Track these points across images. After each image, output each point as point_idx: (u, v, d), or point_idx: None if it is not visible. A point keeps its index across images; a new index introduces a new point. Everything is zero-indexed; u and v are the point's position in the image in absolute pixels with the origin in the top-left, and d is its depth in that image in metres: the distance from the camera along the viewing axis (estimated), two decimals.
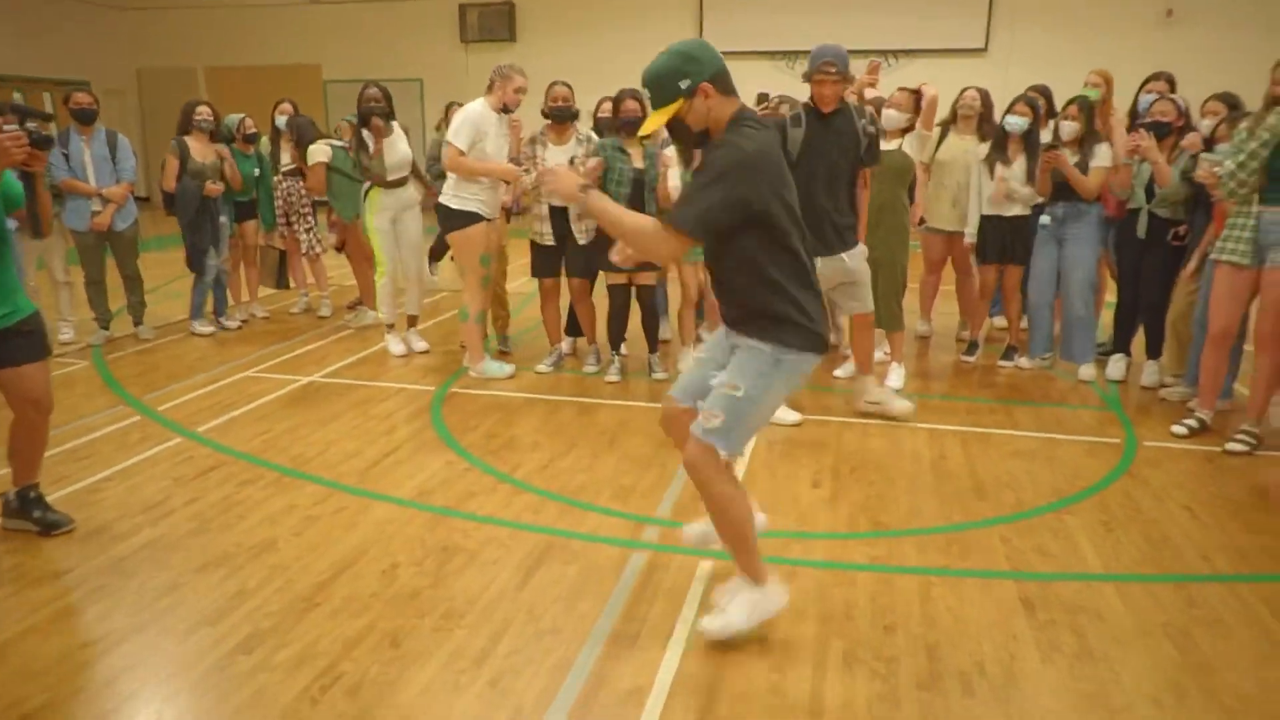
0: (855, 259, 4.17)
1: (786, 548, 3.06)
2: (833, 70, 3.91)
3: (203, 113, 5.86)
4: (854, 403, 4.47)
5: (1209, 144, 4.38)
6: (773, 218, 2.25)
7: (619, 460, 3.89)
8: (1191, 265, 4.45)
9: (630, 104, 4.68)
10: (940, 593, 2.78)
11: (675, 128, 2.31)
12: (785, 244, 2.30)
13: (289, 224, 6.45)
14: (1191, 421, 4.15)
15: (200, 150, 5.82)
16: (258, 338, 6.11)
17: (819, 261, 3.82)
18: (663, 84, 2.23)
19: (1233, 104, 4.47)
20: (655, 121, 2.28)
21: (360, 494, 3.55)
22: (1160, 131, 4.51)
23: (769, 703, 2.26)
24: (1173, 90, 4.92)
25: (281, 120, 6.31)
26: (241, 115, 6.32)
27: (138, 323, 6.04)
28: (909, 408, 4.34)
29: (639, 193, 4.73)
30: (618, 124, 4.73)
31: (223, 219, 6.05)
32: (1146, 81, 5.13)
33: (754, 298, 2.34)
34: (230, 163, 5.95)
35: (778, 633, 2.55)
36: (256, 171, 6.34)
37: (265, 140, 6.48)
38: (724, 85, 2.25)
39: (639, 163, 4.70)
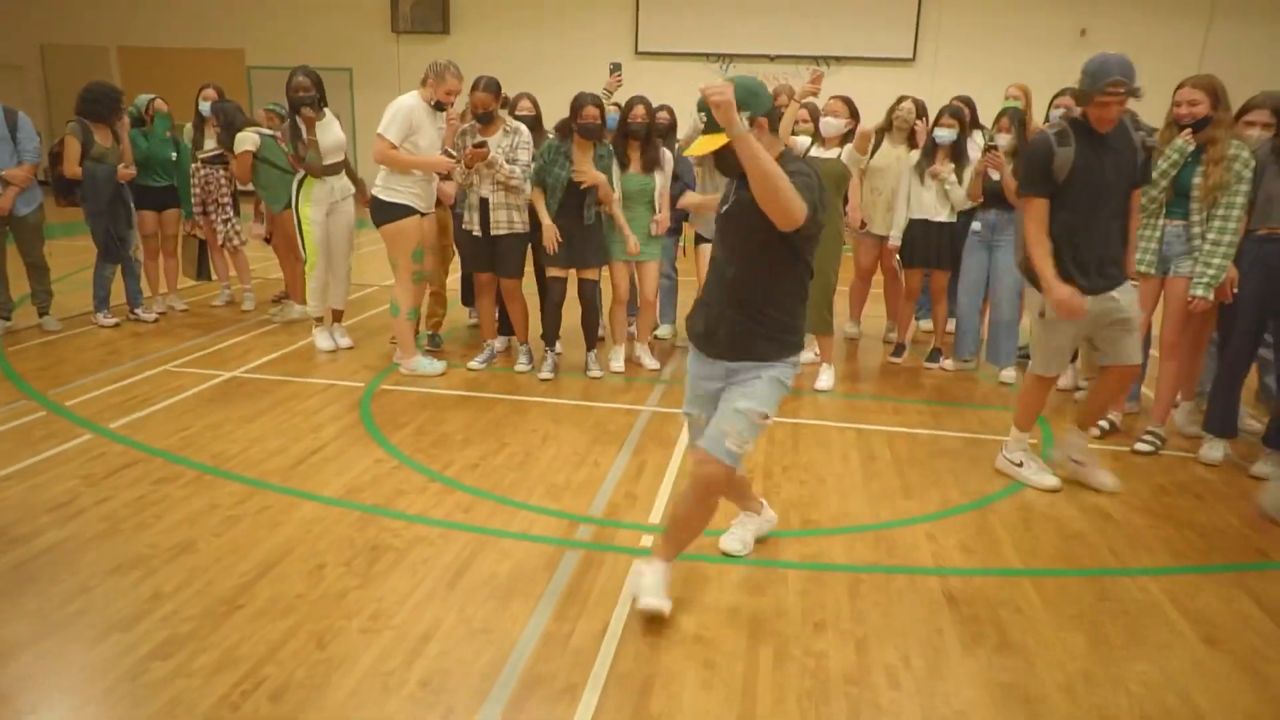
0: (1126, 295, 3.52)
1: (719, 545, 3.09)
2: (1121, 91, 3.22)
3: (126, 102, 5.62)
4: (1056, 452, 3.87)
5: None
6: (814, 240, 2.44)
7: (551, 458, 3.86)
8: None
9: (591, 110, 4.63)
10: (868, 589, 2.85)
11: (723, 155, 2.35)
12: (807, 262, 2.49)
13: (205, 213, 6.21)
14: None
15: (102, 133, 5.55)
16: (176, 331, 5.86)
17: (1088, 300, 3.41)
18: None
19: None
20: (707, 145, 2.31)
21: (285, 492, 3.44)
22: None
23: (701, 699, 2.28)
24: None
25: (205, 106, 6.07)
26: (152, 96, 6.05)
27: (43, 314, 5.74)
28: (1113, 484, 3.69)
29: (574, 198, 4.71)
30: (573, 128, 4.67)
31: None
32: (1056, 96, 5.37)
33: (783, 311, 2.51)
34: (125, 144, 5.68)
35: (710, 630, 2.58)
36: (174, 155, 6.09)
37: (189, 126, 6.23)
38: (774, 124, 2.41)
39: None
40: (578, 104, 4.67)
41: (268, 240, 6.22)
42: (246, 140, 5.72)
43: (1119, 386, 3.68)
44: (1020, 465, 3.79)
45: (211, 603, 2.64)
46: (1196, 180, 3.80)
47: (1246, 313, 3.90)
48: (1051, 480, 3.71)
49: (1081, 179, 3.35)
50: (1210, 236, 3.80)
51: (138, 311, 6.02)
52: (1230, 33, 11.23)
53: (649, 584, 2.59)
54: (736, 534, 3.06)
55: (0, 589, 2.68)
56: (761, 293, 2.48)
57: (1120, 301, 3.48)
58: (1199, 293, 3.81)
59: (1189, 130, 3.78)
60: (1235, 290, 3.88)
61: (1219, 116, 3.75)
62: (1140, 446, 4.15)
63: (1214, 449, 4.04)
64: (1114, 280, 3.48)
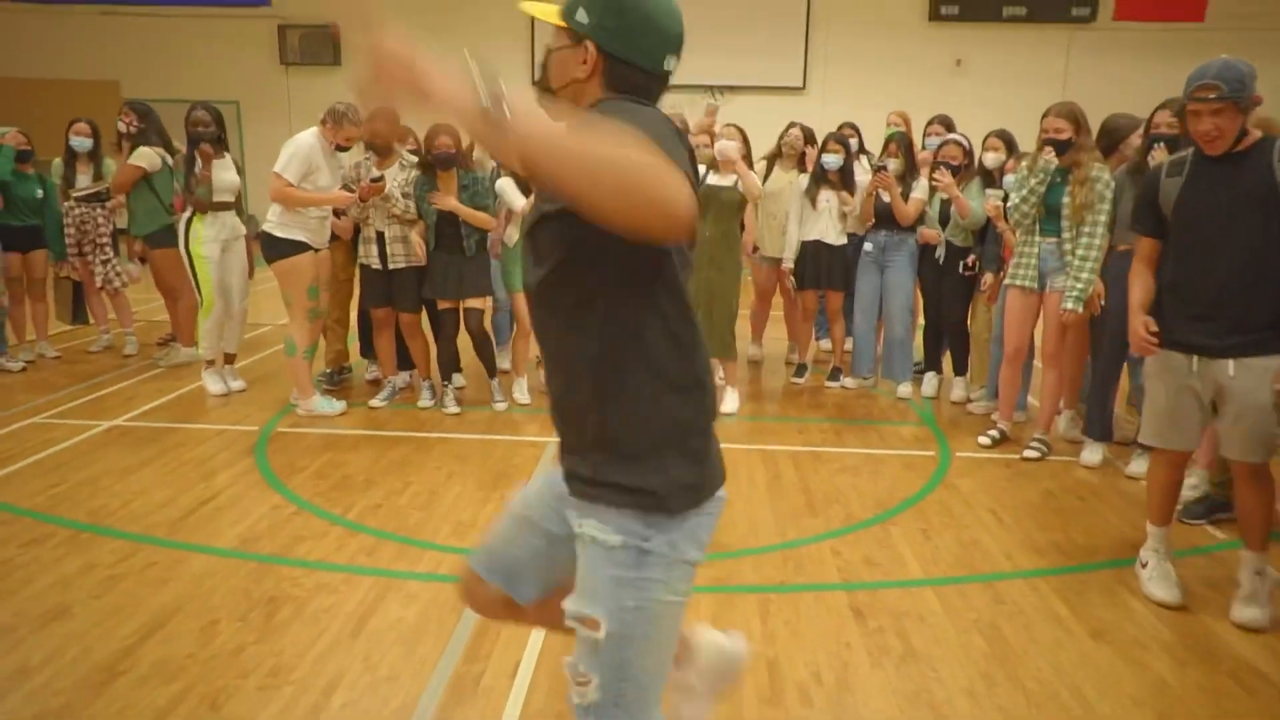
0: (1246, 374, 2.65)
1: None
2: (1212, 96, 2.56)
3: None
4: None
5: (993, 177, 4.87)
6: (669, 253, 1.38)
7: (458, 495, 3.78)
8: (993, 289, 4.89)
9: (444, 140, 4.56)
10: (778, 608, 2.88)
11: (547, 61, 1.46)
12: (679, 311, 1.41)
13: (81, 254, 5.86)
14: (994, 432, 4.55)
15: None
16: (47, 380, 5.49)
17: (1178, 359, 2.76)
18: None
19: (1009, 140, 5.01)
20: (542, 11, 1.44)
21: (173, 546, 3.24)
22: (953, 170, 4.99)
23: None
24: (949, 130, 5.45)
25: (77, 141, 5.74)
26: (10, 128, 5.70)
27: None
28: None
29: (450, 228, 4.64)
30: (429, 159, 4.61)
31: None
32: (929, 124, 5.68)
33: (625, 408, 1.39)
34: None
35: None
36: (40, 193, 5.73)
37: (57, 163, 5.89)
38: (618, 76, 1.40)
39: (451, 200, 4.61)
40: (431, 134, 4.61)
41: (141, 260, 5.85)
42: (144, 158, 5.42)
43: (1261, 489, 2.77)
44: (1144, 566, 3.02)
45: (88, 671, 2.45)
46: (1065, 200, 4.06)
47: (1113, 323, 4.15)
48: (1169, 594, 2.91)
49: (1183, 214, 2.76)
50: (1079, 253, 4.05)
51: (1, 360, 5.61)
52: (1086, 65, 12.14)
53: None
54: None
55: None
56: (591, 379, 1.40)
57: (1230, 375, 2.67)
58: (1069, 306, 4.04)
59: (1051, 149, 4.03)
60: (1103, 303, 4.14)
61: (1080, 141, 4.03)
62: (1028, 453, 4.36)
63: (1093, 452, 4.28)
64: (1231, 348, 2.67)
